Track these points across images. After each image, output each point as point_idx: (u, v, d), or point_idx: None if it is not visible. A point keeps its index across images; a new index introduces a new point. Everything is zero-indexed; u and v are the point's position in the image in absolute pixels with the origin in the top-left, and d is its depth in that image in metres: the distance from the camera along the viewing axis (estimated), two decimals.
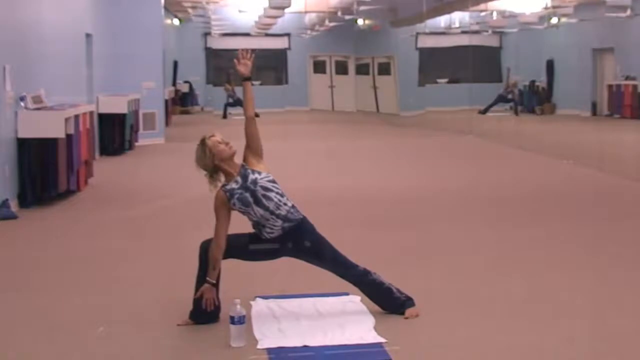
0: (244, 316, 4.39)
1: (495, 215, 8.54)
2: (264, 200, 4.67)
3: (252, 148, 4.83)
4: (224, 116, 24.10)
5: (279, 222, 4.71)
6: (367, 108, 26.77)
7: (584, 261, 6.44)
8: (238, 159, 4.82)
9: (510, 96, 23.76)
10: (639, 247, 6.91)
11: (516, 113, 23.52)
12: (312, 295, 5.25)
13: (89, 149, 10.51)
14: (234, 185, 4.69)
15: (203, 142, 4.73)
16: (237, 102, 24.27)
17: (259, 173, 4.72)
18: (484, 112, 23.50)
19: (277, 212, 4.69)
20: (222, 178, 4.77)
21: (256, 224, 4.77)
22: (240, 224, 4.94)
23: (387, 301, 4.91)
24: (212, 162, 4.71)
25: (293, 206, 4.78)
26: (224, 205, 4.70)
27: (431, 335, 4.58)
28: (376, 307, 4.98)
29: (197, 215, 8.58)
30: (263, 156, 4.86)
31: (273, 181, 4.74)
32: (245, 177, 4.70)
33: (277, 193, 4.72)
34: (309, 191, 9.81)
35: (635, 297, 5.38)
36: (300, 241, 4.77)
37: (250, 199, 4.66)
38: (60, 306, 5.22)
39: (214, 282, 4.66)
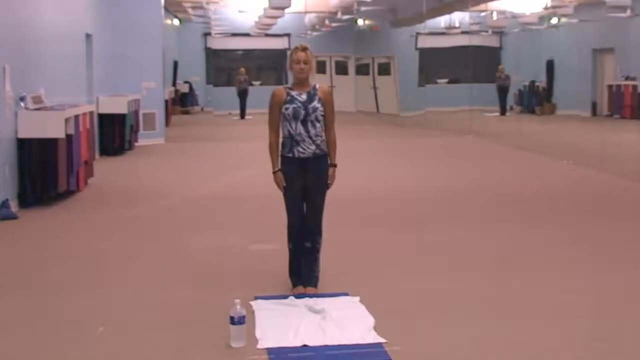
0: (244, 316, 4.39)
1: (495, 215, 8.54)
2: (309, 126, 5.33)
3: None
4: (242, 116, 24.17)
5: (313, 147, 5.32)
6: (367, 108, 26.78)
7: (584, 261, 6.44)
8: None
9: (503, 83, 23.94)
10: (639, 248, 6.91)
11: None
12: (312, 296, 5.25)
13: (89, 149, 10.51)
14: (296, 97, 5.34)
15: (295, 49, 5.41)
16: (244, 93, 24.30)
17: (322, 104, 5.37)
18: (503, 113, 23.73)
19: (315, 138, 5.33)
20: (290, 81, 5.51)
21: (290, 139, 5.33)
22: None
23: (309, 266, 5.38)
24: (289, 66, 5.48)
25: (323, 141, 5.40)
26: (278, 104, 5.34)
27: (431, 335, 4.58)
28: (376, 308, 4.98)
29: (197, 216, 8.61)
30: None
31: (323, 116, 5.40)
32: (310, 100, 5.35)
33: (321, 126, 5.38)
34: None
35: (635, 297, 5.38)
36: (316, 172, 5.38)
37: (300, 118, 5.31)
38: (61, 306, 5.21)
39: (276, 169, 5.37)
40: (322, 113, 5.37)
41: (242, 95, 24.36)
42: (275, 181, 5.40)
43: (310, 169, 5.35)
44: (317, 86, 5.44)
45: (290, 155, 5.34)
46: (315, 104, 5.35)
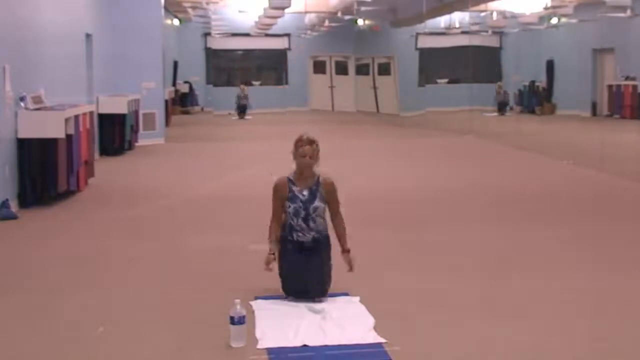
0: (244, 316, 4.39)
1: (495, 215, 8.54)
2: (310, 222, 5.22)
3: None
4: (241, 117, 24.22)
5: (312, 233, 5.21)
6: (367, 108, 26.77)
7: (584, 261, 6.44)
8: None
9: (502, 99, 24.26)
10: (639, 248, 6.91)
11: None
12: None
13: (89, 149, 10.51)
14: (298, 194, 5.21)
15: (300, 141, 5.20)
16: (244, 108, 24.35)
17: (323, 203, 5.26)
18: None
19: (315, 229, 5.23)
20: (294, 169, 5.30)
21: (290, 227, 5.23)
22: None
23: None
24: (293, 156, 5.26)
25: (325, 226, 5.30)
26: (280, 198, 5.23)
27: (431, 336, 4.58)
28: (376, 308, 4.98)
29: (197, 216, 8.61)
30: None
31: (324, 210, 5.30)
32: (312, 198, 5.21)
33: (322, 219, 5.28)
34: None
35: (635, 297, 5.38)
36: (317, 254, 5.23)
37: (301, 216, 5.19)
38: (61, 306, 5.21)
39: (272, 253, 5.21)
40: (324, 209, 5.27)
41: (242, 109, 24.46)
42: (265, 260, 5.20)
43: (311, 250, 5.23)
44: (321, 180, 5.27)
45: (290, 238, 5.24)
46: (317, 203, 5.22)
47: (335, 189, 5.32)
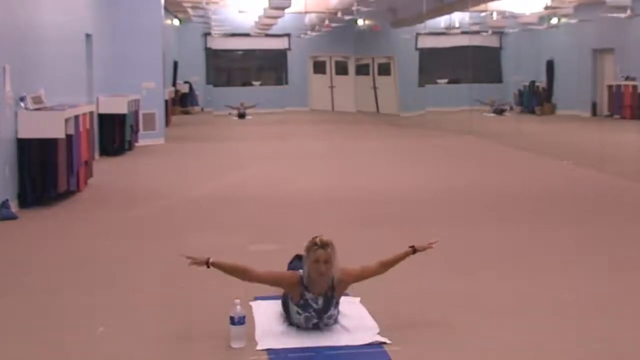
0: (244, 317, 4.39)
1: (495, 215, 8.54)
2: (322, 327, 4.60)
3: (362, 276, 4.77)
4: (241, 117, 24.33)
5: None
6: (367, 108, 26.78)
7: (584, 261, 6.44)
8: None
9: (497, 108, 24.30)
10: (639, 248, 6.91)
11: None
12: None
13: (89, 150, 10.51)
14: (312, 302, 4.55)
15: (314, 244, 4.49)
16: (242, 116, 24.43)
17: (337, 311, 4.65)
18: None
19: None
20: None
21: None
22: None
23: None
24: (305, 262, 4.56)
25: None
26: (288, 284, 4.60)
27: (431, 336, 4.57)
28: (376, 308, 4.97)
29: (197, 216, 8.61)
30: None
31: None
32: (327, 307, 4.57)
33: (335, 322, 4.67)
34: (310, 191, 9.81)
35: (635, 297, 5.38)
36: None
37: (313, 322, 4.57)
38: (61, 306, 5.21)
39: (208, 262, 4.72)
40: (339, 311, 4.66)
41: (241, 116, 24.50)
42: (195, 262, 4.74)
43: None
44: (336, 280, 4.55)
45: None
46: (332, 310, 4.57)
47: (354, 271, 4.68)
